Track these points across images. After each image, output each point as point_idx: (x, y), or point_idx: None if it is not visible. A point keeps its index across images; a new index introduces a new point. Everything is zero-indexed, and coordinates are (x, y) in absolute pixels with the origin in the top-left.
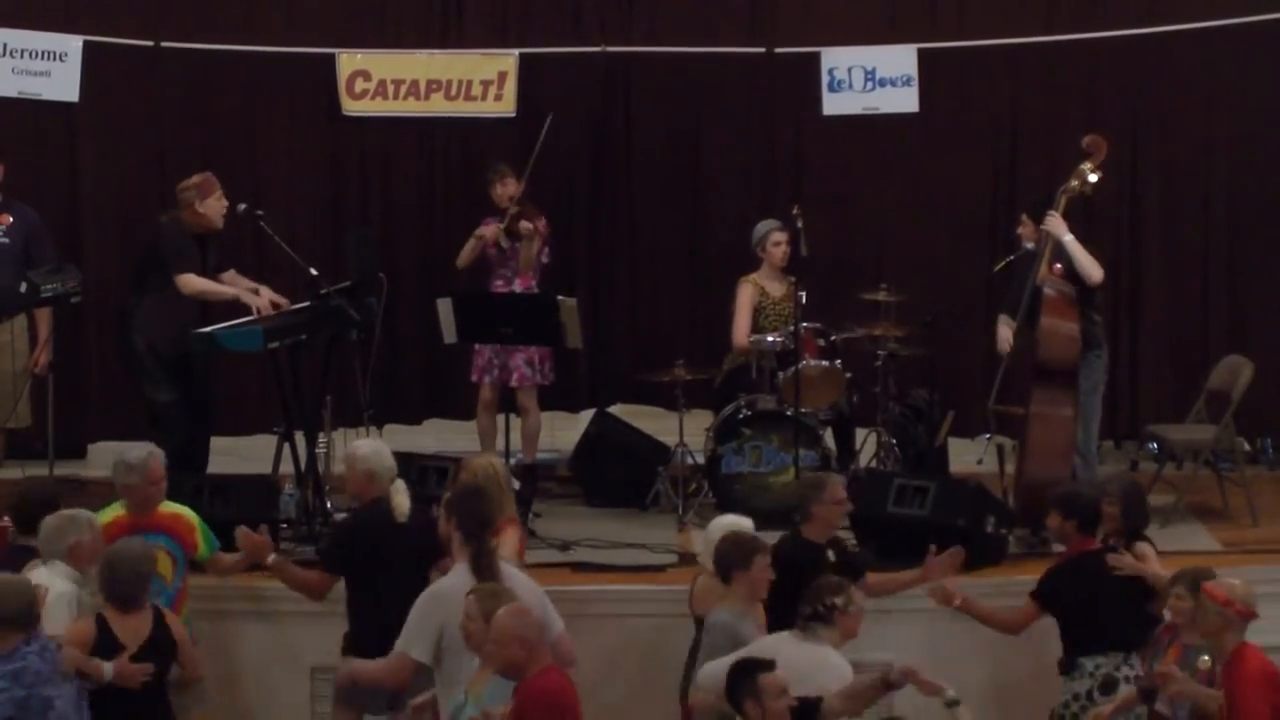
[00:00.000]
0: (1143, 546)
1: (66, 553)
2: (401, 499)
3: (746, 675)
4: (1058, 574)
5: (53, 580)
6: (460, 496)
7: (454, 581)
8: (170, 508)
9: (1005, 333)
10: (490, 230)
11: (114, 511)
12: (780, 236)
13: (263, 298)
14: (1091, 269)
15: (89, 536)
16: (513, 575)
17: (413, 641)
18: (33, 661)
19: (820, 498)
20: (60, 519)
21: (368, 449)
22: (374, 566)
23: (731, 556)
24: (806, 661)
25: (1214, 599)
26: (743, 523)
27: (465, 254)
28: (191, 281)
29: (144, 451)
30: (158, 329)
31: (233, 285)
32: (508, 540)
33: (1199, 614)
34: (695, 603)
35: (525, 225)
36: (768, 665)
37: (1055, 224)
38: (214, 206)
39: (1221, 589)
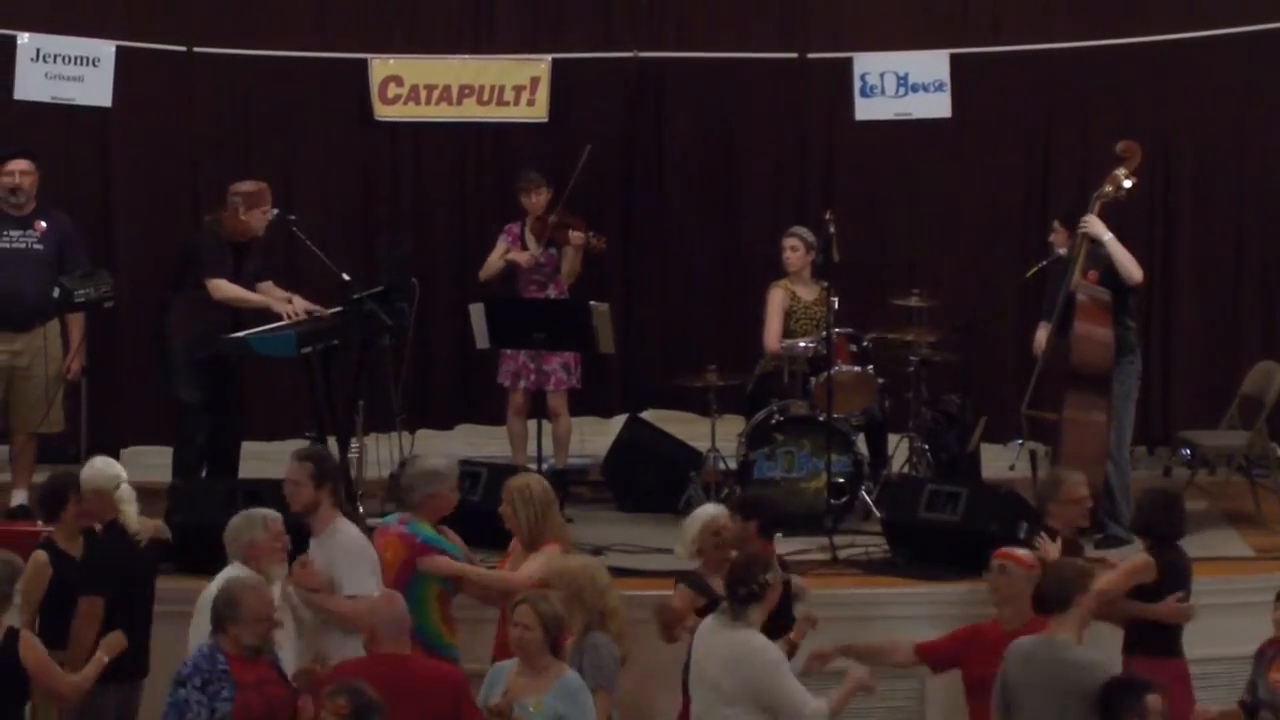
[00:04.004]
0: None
1: (244, 551)
2: (128, 507)
3: (1130, 694)
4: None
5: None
6: (327, 462)
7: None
8: None
9: (1042, 337)
10: (525, 256)
11: None
12: (791, 242)
13: (295, 306)
14: (1133, 269)
15: (263, 534)
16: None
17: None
18: None
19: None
20: (238, 518)
21: (87, 470)
22: (125, 586)
23: (1071, 582)
24: (740, 647)
25: (1021, 564)
26: (722, 511)
27: (491, 270)
28: (222, 288)
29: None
30: (190, 329)
31: (267, 295)
32: (537, 557)
33: (1002, 581)
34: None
35: (576, 235)
36: (1148, 686)
37: (1094, 225)
38: (257, 217)
39: (1026, 555)
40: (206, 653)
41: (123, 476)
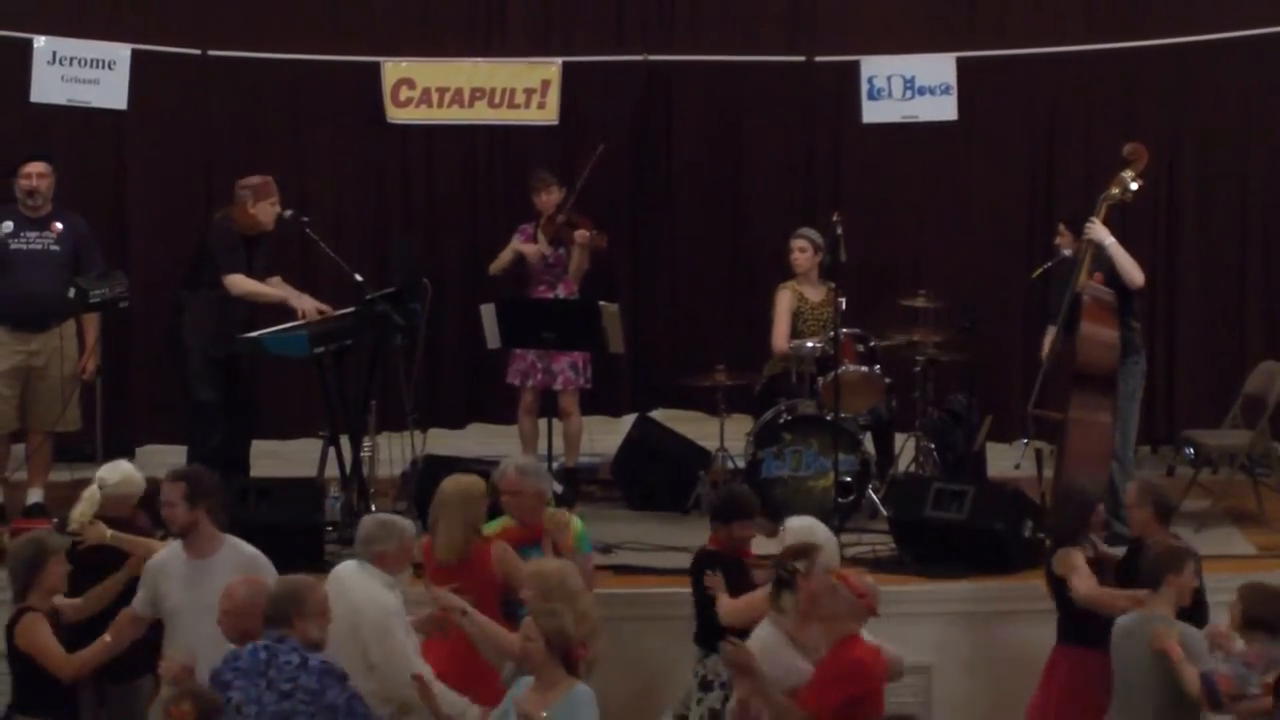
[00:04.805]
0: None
1: (372, 558)
2: (79, 505)
3: None
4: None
5: (367, 582)
6: (204, 483)
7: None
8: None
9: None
10: (533, 249)
11: (504, 522)
12: (799, 243)
13: (305, 304)
14: (1134, 272)
15: (394, 547)
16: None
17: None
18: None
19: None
20: (374, 523)
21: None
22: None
23: (1164, 561)
24: (759, 629)
25: (853, 590)
26: (818, 527)
27: (501, 264)
28: (239, 283)
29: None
30: (207, 327)
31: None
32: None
33: (831, 600)
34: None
35: (580, 235)
36: None
37: (1098, 230)
38: (266, 210)
39: (860, 583)
40: (307, 648)
41: (107, 479)
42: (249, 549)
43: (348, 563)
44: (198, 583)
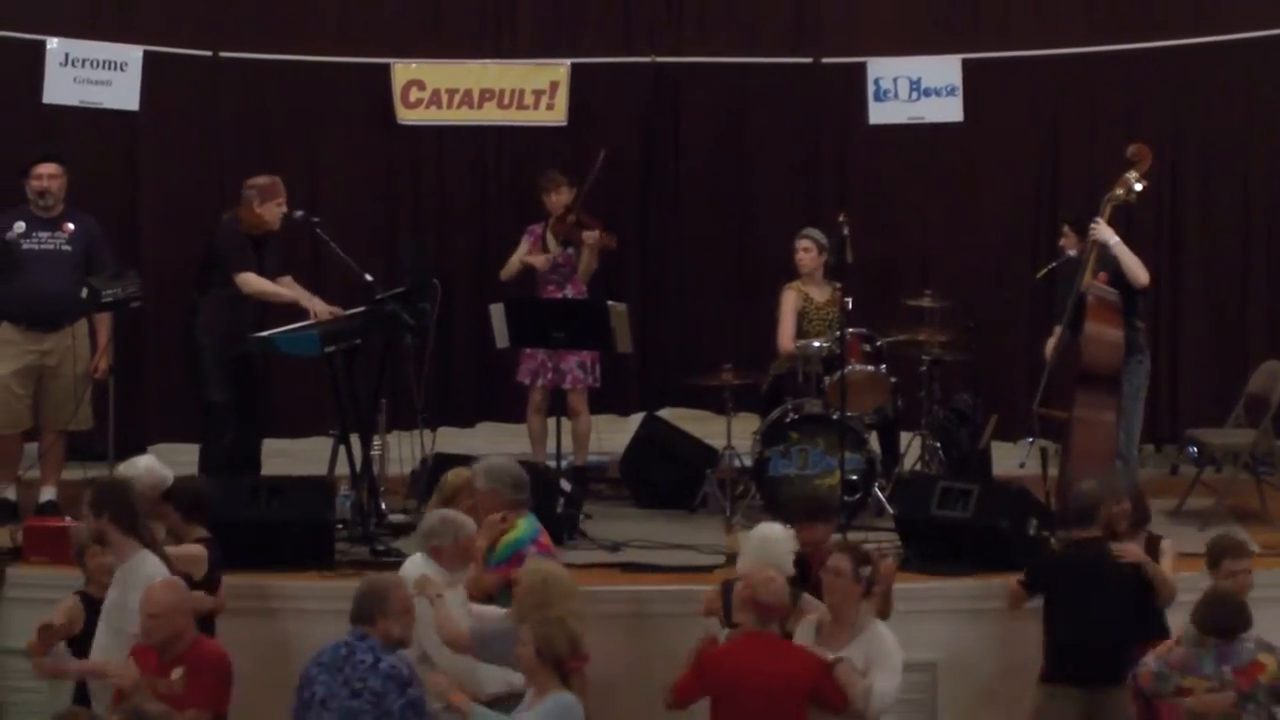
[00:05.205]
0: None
1: (429, 552)
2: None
3: None
4: None
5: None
6: (108, 493)
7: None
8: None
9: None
10: (541, 260)
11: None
12: (804, 244)
13: (318, 304)
14: (1139, 272)
15: (450, 542)
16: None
17: None
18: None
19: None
20: (436, 518)
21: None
22: None
23: (1211, 555)
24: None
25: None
26: (780, 531)
27: (511, 271)
28: (251, 281)
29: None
30: (219, 328)
31: (290, 290)
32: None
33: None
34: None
35: (589, 235)
36: None
37: (1102, 231)
38: (272, 211)
39: (752, 579)
40: (390, 648)
41: (125, 473)
42: (155, 566)
43: (415, 555)
44: (115, 587)
